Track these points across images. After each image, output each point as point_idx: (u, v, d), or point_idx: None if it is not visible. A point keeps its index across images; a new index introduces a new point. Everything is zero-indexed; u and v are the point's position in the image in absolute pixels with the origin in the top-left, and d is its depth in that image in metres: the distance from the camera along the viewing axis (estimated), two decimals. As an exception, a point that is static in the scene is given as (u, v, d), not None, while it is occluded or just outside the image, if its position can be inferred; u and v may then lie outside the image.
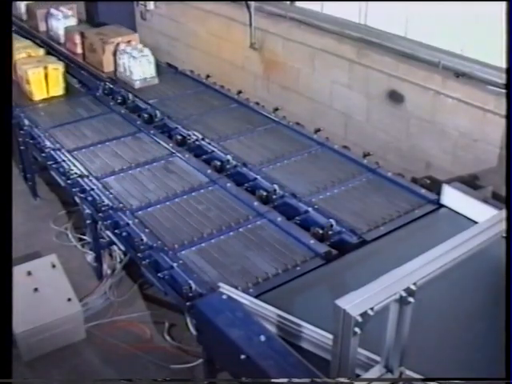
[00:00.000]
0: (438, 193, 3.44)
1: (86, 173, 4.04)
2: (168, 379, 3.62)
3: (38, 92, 5.35)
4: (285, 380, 2.13)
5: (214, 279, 2.98)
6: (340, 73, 4.59)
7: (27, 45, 6.08)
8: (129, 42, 5.61)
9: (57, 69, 5.43)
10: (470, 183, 3.49)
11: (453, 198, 3.34)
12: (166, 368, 3.66)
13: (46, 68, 5.35)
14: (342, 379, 1.94)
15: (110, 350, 3.83)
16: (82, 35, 6.06)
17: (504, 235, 2.25)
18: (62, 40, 6.43)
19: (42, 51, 5.97)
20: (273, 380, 2.22)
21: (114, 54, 5.59)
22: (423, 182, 3.62)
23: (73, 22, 6.47)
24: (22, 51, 5.77)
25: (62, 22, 6.46)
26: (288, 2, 5.05)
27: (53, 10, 6.58)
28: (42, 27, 6.90)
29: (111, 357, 3.79)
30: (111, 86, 5.42)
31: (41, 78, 5.31)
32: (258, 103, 4.77)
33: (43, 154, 4.50)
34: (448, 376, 2.16)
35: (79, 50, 6.12)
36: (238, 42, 5.49)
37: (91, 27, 6.27)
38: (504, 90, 3.49)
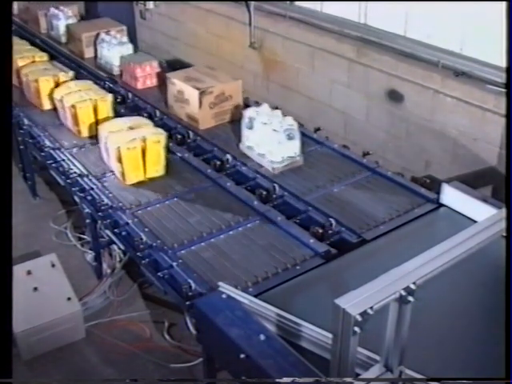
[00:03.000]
0: (438, 192, 3.44)
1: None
2: (167, 379, 3.62)
3: (133, 174, 3.83)
4: (288, 380, 2.13)
5: (213, 278, 2.98)
6: (339, 72, 4.59)
7: (88, 87, 4.70)
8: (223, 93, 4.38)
9: (158, 141, 3.85)
10: (470, 182, 3.49)
11: (452, 197, 3.34)
12: (166, 367, 3.66)
13: (144, 141, 3.81)
14: (344, 378, 1.94)
15: (110, 349, 3.84)
16: (160, 74, 5.08)
17: (504, 234, 2.25)
18: (115, 71, 5.44)
19: (109, 97, 4.58)
20: (276, 380, 2.22)
21: (212, 106, 4.38)
22: (423, 181, 3.62)
23: (129, 49, 5.47)
24: (76, 92, 4.55)
25: (116, 48, 5.44)
26: (288, 2, 5.04)
27: (104, 35, 5.59)
28: (89, 53, 5.82)
29: (111, 356, 3.79)
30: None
31: (138, 156, 3.78)
32: (257, 102, 4.76)
33: (43, 153, 4.50)
34: (448, 376, 2.17)
35: (140, 86, 5.13)
36: (237, 41, 5.48)
37: (152, 57, 5.34)
38: (503, 89, 3.49)
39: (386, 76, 4.22)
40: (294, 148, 3.82)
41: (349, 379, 1.93)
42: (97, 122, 4.39)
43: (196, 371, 3.55)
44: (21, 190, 5.32)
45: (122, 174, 3.83)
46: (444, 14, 3.77)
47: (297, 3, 4.96)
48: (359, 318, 1.80)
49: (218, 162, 3.93)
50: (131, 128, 3.97)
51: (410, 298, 1.90)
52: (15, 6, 6.88)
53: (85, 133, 4.48)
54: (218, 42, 5.77)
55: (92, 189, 3.87)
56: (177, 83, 4.49)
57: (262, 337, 2.42)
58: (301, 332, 2.47)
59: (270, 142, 3.78)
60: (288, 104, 4.94)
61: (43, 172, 5.20)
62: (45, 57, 5.52)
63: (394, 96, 4.21)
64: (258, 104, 4.71)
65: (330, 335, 2.04)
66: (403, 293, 1.90)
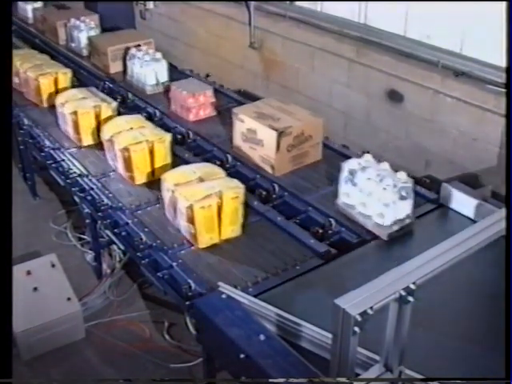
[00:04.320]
0: (438, 192, 3.44)
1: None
2: (167, 378, 3.63)
3: (207, 236, 3.22)
4: (282, 380, 2.13)
5: (213, 278, 2.98)
6: (339, 72, 4.59)
7: (140, 123, 4.09)
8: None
9: (236, 196, 3.23)
10: (470, 182, 3.49)
11: (452, 197, 3.34)
12: (166, 367, 3.66)
13: (220, 197, 3.17)
14: (341, 378, 1.94)
15: (110, 349, 3.84)
16: (214, 103, 4.52)
17: (503, 234, 2.25)
18: (149, 91, 4.94)
19: (168, 137, 3.91)
20: (270, 380, 2.22)
21: (291, 148, 3.71)
22: (423, 181, 3.62)
23: (164, 66, 5.04)
24: (128, 131, 3.93)
25: (150, 66, 4.96)
26: (288, 2, 5.04)
27: (135, 51, 5.09)
28: (115, 68, 5.37)
29: (111, 356, 3.79)
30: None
31: (213, 215, 3.19)
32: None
33: (42, 154, 4.50)
34: (448, 376, 2.17)
35: (193, 118, 4.50)
36: (237, 41, 5.48)
37: (203, 83, 4.84)
38: (503, 89, 3.49)
39: (386, 76, 4.22)
40: (406, 209, 3.14)
41: (343, 379, 1.93)
42: (153, 169, 3.85)
43: (196, 371, 3.55)
44: (21, 190, 5.31)
45: (194, 237, 3.20)
46: (444, 13, 3.76)
47: (297, 3, 4.96)
48: (359, 318, 1.81)
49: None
50: (201, 179, 3.34)
51: (410, 298, 1.90)
52: (30, 14, 6.75)
53: (139, 179, 3.87)
54: (218, 42, 5.77)
55: (92, 189, 3.88)
56: (247, 121, 3.81)
57: (262, 337, 2.42)
58: (301, 332, 2.48)
59: (378, 202, 3.11)
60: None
61: (43, 172, 5.19)
62: (69, 73, 5.09)
63: (394, 96, 4.21)
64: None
65: (329, 335, 2.04)
66: (403, 293, 1.90)
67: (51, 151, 4.38)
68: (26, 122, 4.82)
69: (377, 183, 3.10)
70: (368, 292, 1.89)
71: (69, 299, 3.89)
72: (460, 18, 3.68)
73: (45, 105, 4.97)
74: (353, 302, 1.84)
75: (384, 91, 4.28)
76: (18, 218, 4.36)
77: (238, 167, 3.91)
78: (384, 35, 4.21)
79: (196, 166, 3.53)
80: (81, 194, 3.90)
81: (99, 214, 3.69)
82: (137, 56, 5.06)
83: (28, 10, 6.77)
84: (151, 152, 3.81)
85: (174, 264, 3.12)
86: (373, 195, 3.13)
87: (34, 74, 4.96)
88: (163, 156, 3.86)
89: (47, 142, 4.50)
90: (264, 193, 3.58)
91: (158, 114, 4.67)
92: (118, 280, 4.36)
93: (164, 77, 5.03)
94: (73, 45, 5.90)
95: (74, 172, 4.08)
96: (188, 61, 5.98)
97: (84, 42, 5.77)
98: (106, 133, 3.99)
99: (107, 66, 5.37)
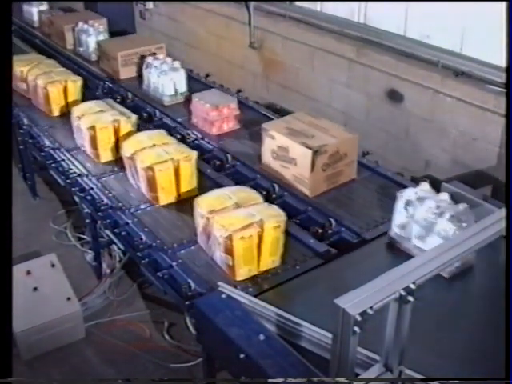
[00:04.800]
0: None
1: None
2: (167, 378, 3.63)
3: (246, 268, 2.94)
4: (281, 380, 2.13)
5: (212, 277, 2.98)
6: (339, 72, 4.59)
7: (163, 139, 3.80)
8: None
9: (277, 226, 2.96)
10: (470, 182, 3.49)
11: (452, 196, 3.34)
12: (166, 367, 3.66)
13: (261, 226, 2.90)
14: (340, 378, 1.94)
15: (110, 349, 3.84)
16: (238, 115, 4.24)
17: (503, 234, 2.25)
18: (167, 102, 4.70)
19: (194, 155, 3.62)
20: (270, 380, 2.22)
21: (325, 167, 3.47)
22: (423, 180, 3.62)
23: (183, 76, 4.79)
24: (151, 148, 3.64)
25: (168, 75, 4.73)
26: (288, 2, 5.04)
27: (151, 59, 4.86)
28: (125, 74, 5.22)
29: (111, 356, 3.79)
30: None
31: (253, 246, 2.92)
32: (257, 102, 4.77)
33: (42, 153, 4.50)
34: (448, 376, 2.17)
35: (216, 132, 4.24)
36: (237, 41, 5.48)
37: (228, 94, 4.56)
38: (504, 89, 3.49)
39: (386, 76, 4.22)
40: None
41: (343, 379, 1.93)
42: (178, 189, 3.59)
43: (196, 371, 3.55)
44: (21, 190, 5.32)
45: (231, 268, 2.94)
46: (444, 13, 3.76)
47: (297, 3, 4.96)
48: (359, 318, 1.80)
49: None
50: (238, 204, 3.06)
51: (410, 298, 1.90)
52: (35, 18, 6.62)
53: (163, 200, 3.60)
54: (218, 41, 5.77)
55: (92, 189, 3.87)
56: (278, 137, 3.57)
57: (262, 337, 2.42)
58: (301, 332, 2.47)
59: (438, 235, 2.79)
60: (288, 104, 4.94)
61: (43, 172, 5.19)
62: (79, 81, 4.89)
63: (394, 96, 4.22)
64: (257, 104, 4.71)
65: (329, 335, 2.04)
66: (403, 293, 1.90)
67: (51, 151, 4.38)
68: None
69: (435, 214, 2.82)
70: (368, 292, 1.88)
71: (69, 299, 3.89)
72: (460, 18, 3.68)
73: (54, 114, 4.80)
74: (353, 302, 1.83)
75: (384, 91, 4.28)
76: (18, 218, 4.37)
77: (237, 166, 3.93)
78: (384, 35, 4.22)
79: (231, 190, 3.24)
80: (81, 194, 3.90)
81: (99, 213, 3.69)
82: (154, 65, 4.80)
83: (34, 13, 6.66)
84: (176, 171, 3.54)
85: (174, 264, 3.12)
86: (433, 229, 2.82)
87: (43, 81, 4.77)
88: (189, 175, 3.60)
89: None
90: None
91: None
92: (118, 280, 4.36)
93: (183, 87, 4.80)
94: (81, 49, 5.75)
95: (74, 172, 4.08)
96: (188, 61, 5.98)
97: (93, 46, 5.62)
98: (127, 150, 3.71)
99: (117, 72, 5.23)
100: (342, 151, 3.52)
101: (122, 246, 3.65)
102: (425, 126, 4.06)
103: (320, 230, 3.21)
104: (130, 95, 4.99)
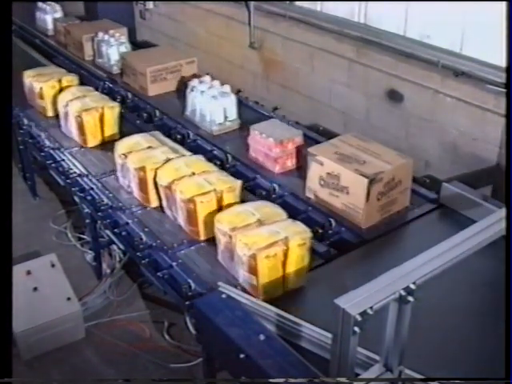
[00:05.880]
0: (438, 192, 3.44)
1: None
2: (167, 378, 3.63)
3: (270, 287, 2.82)
4: (281, 380, 2.13)
5: (212, 278, 2.98)
6: (339, 72, 4.59)
7: (204, 166, 3.49)
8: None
9: (303, 243, 2.86)
10: (470, 182, 3.50)
11: (452, 197, 3.34)
12: (166, 367, 3.67)
13: (286, 243, 2.80)
14: (341, 378, 1.94)
15: (110, 349, 3.84)
16: (302, 149, 3.69)
17: (503, 234, 2.25)
18: (215, 131, 4.22)
19: (238, 185, 3.34)
20: (270, 380, 2.22)
21: (380, 196, 3.21)
22: (423, 181, 3.62)
23: (233, 101, 4.32)
24: (190, 177, 3.32)
25: (218, 101, 4.23)
26: (288, 2, 5.04)
27: (195, 82, 4.37)
28: (154, 91, 4.82)
29: (110, 356, 3.80)
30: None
31: (278, 265, 2.82)
32: (257, 102, 4.76)
33: (42, 153, 4.50)
34: (448, 376, 2.17)
35: (279, 170, 3.75)
36: (237, 41, 5.48)
37: (293, 127, 4.05)
38: (503, 89, 3.49)
39: (386, 76, 4.22)
40: None
41: (343, 379, 1.93)
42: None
43: (196, 371, 3.55)
44: (21, 190, 5.32)
45: (255, 288, 2.80)
46: (444, 13, 3.76)
47: (297, 3, 4.96)
48: (359, 318, 1.81)
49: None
50: (261, 222, 2.93)
51: (410, 298, 1.90)
52: (49, 26, 6.30)
53: (203, 235, 3.26)
54: (218, 41, 5.77)
55: (92, 189, 3.87)
56: (327, 163, 3.29)
57: (262, 337, 2.42)
58: (301, 332, 2.48)
59: None
60: (288, 104, 4.94)
61: (43, 172, 5.20)
62: (116, 107, 4.35)
63: (394, 96, 4.21)
64: (257, 104, 4.71)
65: (329, 335, 2.04)
66: (403, 293, 1.90)
67: (51, 151, 4.38)
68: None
69: None
70: (368, 292, 1.88)
71: (69, 299, 3.89)
72: (460, 18, 3.68)
73: (89, 145, 4.32)
74: (353, 302, 1.84)
75: (384, 91, 4.28)
76: (18, 218, 4.38)
77: (237, 166, 3.92)
78: (384, 35, 4.21)
79: (253, 206, 3.07)
80: (81, 194, 3.90)
81: (99, 213, 3.69)
82: (200, 89, 4.31)
83: (48, 21, 6.32)
84: (219, 202, 3.22)
85: (174, 264, 3.12)
86: None
87: (76, 108, 4.25)
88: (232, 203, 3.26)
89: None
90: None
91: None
92: (118, 280, 4.36)
93: (233, 114, 4.33)
94: (100, 61, 5.43)
95: (74, 172, 4.08)
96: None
97: (114, 58, 5.30)
98: (163, 179, 3.37)
99: (145, 89, 4.84)
100: (397, 178, 3.27)
101: (122, 246, 3.65)
102: (425, 125, 4.06)
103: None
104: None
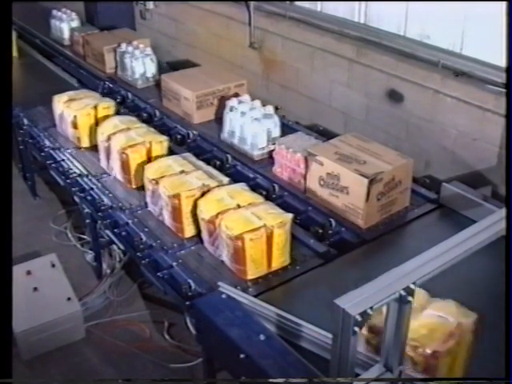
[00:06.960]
0: (438, 192, 3.44)
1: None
2: (167, 378, 3.63)
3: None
4: (281, 380, 2.13)
5: (212, 278, 2.98)
6: (339, 72, 4.59)
7: (263, 204, 3.16)
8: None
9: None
10: (470, 182, 3.49)
11: (452, 197, 3.34)
12: (166, 367, 3.67)
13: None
14: (341, 378, 1.94)
15: (110, 349, 3.84)
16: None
17: (503, 234, 2.25)
18: (257, 156, 3.93)
19: (288, 219, 3.06)
20: (270, 380, 2.22)
21: (380, 196, 3.23)
22: (423, 181, 3.62)
23: (277, 125, 4.02)
24: (243, 218, 3.02)
25: (263, 123, 3.93)
26: (288, 2, 5.04)
27: (236, 103, 4.07)
28: (200, 118, 4.38)
29: (111, 356, 3.80)
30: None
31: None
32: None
33: (42, 154, 4.50)
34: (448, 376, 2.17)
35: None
36: (237, 41, 5.48)
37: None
38: (503, 89, 3.49)
39: (386, 76, 4.22)
40: None
41: (343, 379, 1.93)
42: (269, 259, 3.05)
43: (196, 371, 3.55)
44: (21, 190, 5.32)
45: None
46: (444, 13, 3.76)
47: (297, 3, 4.95)
48: (359, 318, 1.81)
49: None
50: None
51: (410, 298, 1.90)
52: (65, 35, 6.04)
53: (250, 274, 2.99)
54: (218, 41, 5.77)
55: (92, 189, 3.87)
56: (327, 163, 3.29)
57: (262, 337, 2.42)
58: (301, 332, 2.48)
59: None
60: (288, 104, 4.94)
61: (43, 172, 5.20)
62: (165, 142, 3.91)
63: (394, 96, 4.21)
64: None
65: (329, 335, 2.04)
66: (403, 293, 1.90)
67: (51, 151, 4.38)
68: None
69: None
70: (368, 292, 1.88)
71: (69, 299, 3.89)
72: (460, 18, 3.68)
73: (133, 185, 3.83)
74: (353, 302, 1.84)
75: (384, 91, 4.28)
76: (18, 218, 4.38)
77: (237, 166, 3.92)
78: (384, 35, 4.21)
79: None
80: (81, 194, 3.90)
81: (99, 213, 3.69)
82: (240, 110, 3.99)
83: (64, 30, 6.06)
84: (268, 239, 2.96)
85: (174, 264, 3.12)
86: None
87: (120, 144, 3.80)
88: (283, 243, 3.03)
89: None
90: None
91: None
92: (118, 280, 4.36)
93: (277, 137, 3.99)
94: (123, 74, 5.16)
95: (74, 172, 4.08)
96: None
97: (139, 71, 5.03)
98: (207, 213, 3.14)
99: (190, 115, 4.36)
100: (397, 178, 3.29)
101: (122, 246, 3.66)
102: (425, 126, 4.06)
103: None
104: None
